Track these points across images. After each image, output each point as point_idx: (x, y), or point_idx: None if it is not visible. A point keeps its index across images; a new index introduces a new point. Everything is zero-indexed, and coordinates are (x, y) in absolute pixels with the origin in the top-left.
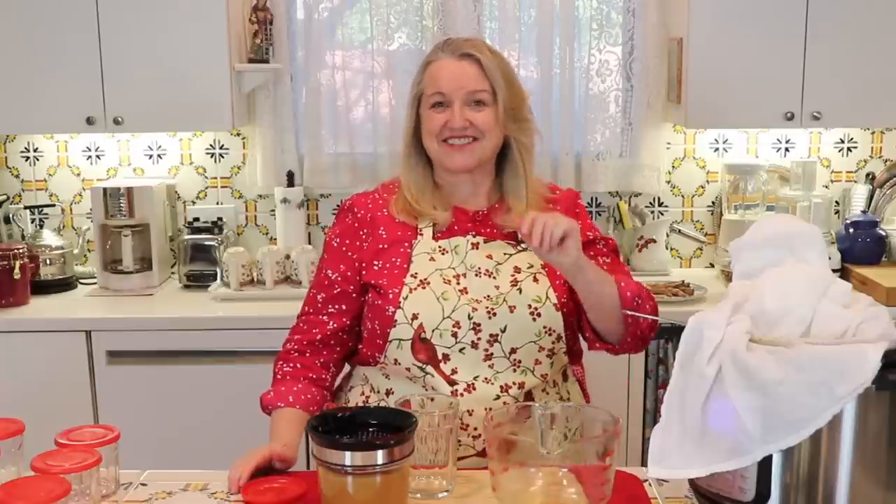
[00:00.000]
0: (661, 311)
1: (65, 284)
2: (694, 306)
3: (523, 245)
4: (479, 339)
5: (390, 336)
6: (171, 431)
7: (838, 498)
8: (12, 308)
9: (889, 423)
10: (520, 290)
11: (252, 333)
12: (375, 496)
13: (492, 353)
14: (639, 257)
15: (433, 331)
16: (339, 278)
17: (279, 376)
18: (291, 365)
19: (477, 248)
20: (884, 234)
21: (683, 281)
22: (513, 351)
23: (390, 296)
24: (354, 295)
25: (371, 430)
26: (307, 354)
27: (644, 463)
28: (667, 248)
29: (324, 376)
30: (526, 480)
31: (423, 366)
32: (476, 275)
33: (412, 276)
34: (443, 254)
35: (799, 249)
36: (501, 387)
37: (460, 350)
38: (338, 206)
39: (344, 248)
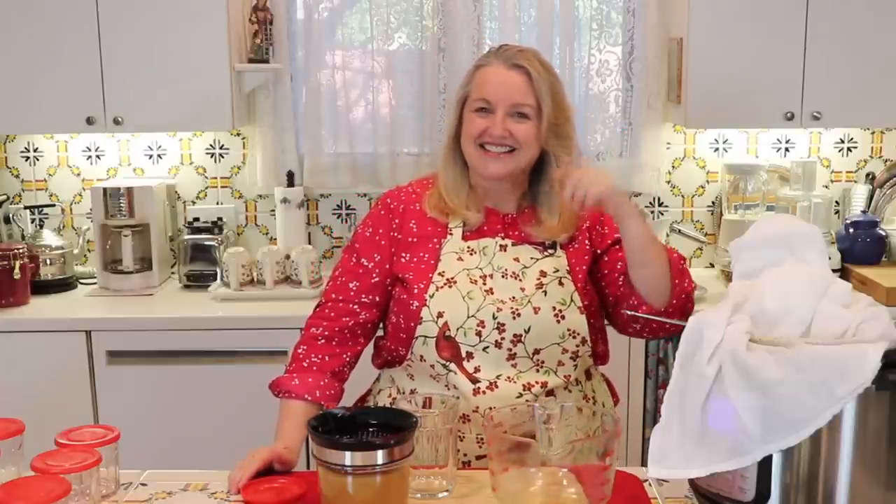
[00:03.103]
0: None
1: (65, 284)
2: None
3: (550, 251)
4: (502, 338)
5: (416, 332)
6: (171, 431)
7: (838, 498)
8: (12, 308)
9: (889, 423)
10: (545, 293)
11: (252, 333)
12: (375, 496)
13: (515, 353)
14: None
15: (458, 329)
16: (376, 267)
17: (304, 364)
18: (319, 357)
19: (505, 251)
20: (884, 234)
21: None
22: (536, 352)
23: (415, 291)
24: (389, 288)
25: (371, 430)
26: (334, 342)
27: (644, 463)
28: None
29: (345, 370)
30: (526, 480)
31: (447, 363)
32: (503, 276)
33: (439, 274)
34: (471, 254)
35: (799, 249)
36: (524, 385)
37: (484, 349)
38: (338, 206)
39: (377, 238)
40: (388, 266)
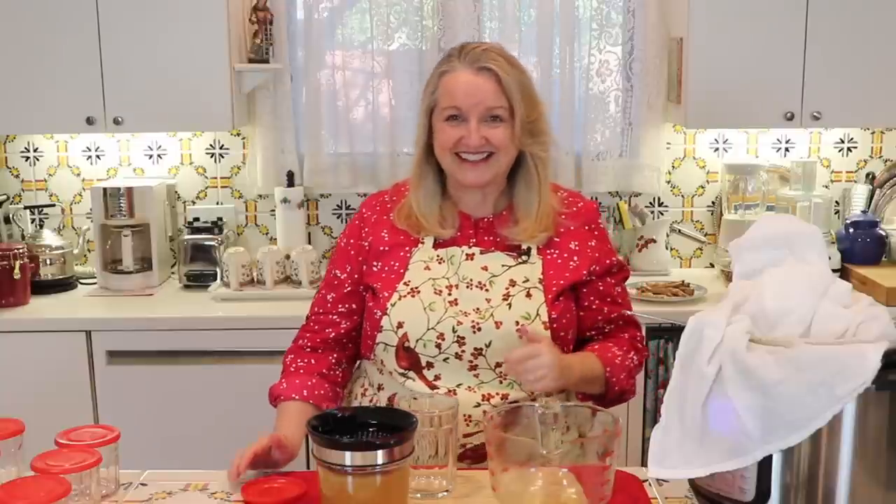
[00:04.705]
0: (662, 310)
1: (65, 284)
2: (694, 306)
3: (524, 258)
4: (463, 351)
5: (377, 339)
6: (170, 431)
7: (838, 498)
8: (12, 308)
9: (889, 423)
10: (510, 306)
11: (252, 333)
12: (375, 496)
13: (476, 365)
14: (639, 257)
15: (417, 340)
16: (347, 278)
17: (292, 369)
18: (305, 360)
19: (472, 259)
20: (884, 234)
21: (683, 281)
22: (498, 365)
23: (381, 299)
24: (364, 294)
25: (371, 430)
26: (320, 351)
27: (644, 463)
28: (667, 248)
29: (336, 373)
30: (526, 480)
31: (405, 372)
32: (468, 287)
33: (405, 283)
34: (439, 263)
35: (799, 249)
36: (483, 395)
37: (444, 360)
38: (338, 206)
39: (349, 248)
40: (357, 276)
